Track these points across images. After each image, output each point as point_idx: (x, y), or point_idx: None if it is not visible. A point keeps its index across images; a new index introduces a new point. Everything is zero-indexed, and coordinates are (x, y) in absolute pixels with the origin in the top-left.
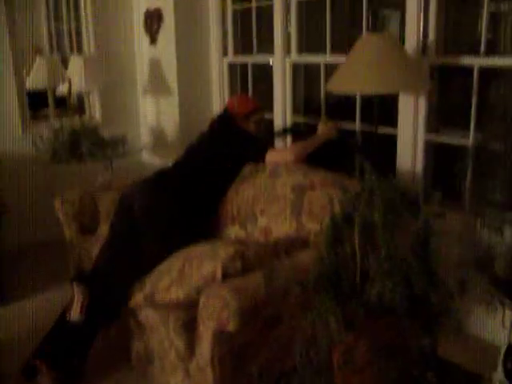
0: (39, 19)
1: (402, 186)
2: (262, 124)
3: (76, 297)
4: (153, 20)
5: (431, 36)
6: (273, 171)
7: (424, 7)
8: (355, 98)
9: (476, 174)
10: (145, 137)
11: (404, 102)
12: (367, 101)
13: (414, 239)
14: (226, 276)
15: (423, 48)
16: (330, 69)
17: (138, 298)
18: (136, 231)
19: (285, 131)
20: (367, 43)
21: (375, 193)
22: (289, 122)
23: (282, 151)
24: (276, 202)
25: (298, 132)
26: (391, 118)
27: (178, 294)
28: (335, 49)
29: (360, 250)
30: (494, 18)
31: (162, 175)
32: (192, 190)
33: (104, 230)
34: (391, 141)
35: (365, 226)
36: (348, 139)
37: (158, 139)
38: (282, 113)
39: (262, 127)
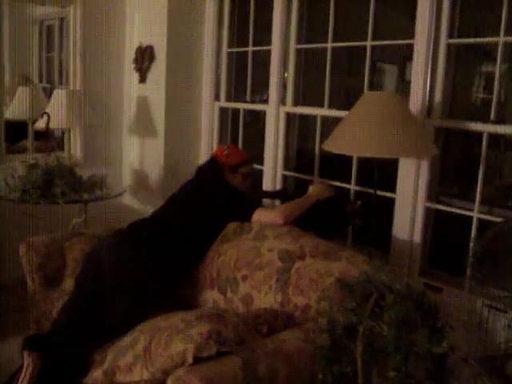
0: (31, 46)
1: (419, 292)
2: (249, 178)
3: (25, 366)
4: (144, 57)
5: (437, 97)
6: (259, 233)
7: (431, 66)
8: (352, 157)
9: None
10: (127, 179)
11: (405, 166)
12: (365, 161)
13: (430, 361)
14: (197, 359)
15: (428, 110)
16: (327, 122)
17: (96, 373)
18: (102, 291)
19: (276, 195)
20: (369, 101)
21: (385, 299)
22: (280, 179)
23: (270, 212)
24: (261, 268)
25: (290, 197)
26: (389, 181)
27: (141, 373)
28: (333, 100)
29: (363, 370)
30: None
31: (135, 229)
32: (168, 248)
33: (69, 284)
34: (389, 205)
35: (370, 339)
36: (347, 201)
37: (141, 182)
38: (272, 166)
39: (249, 181)
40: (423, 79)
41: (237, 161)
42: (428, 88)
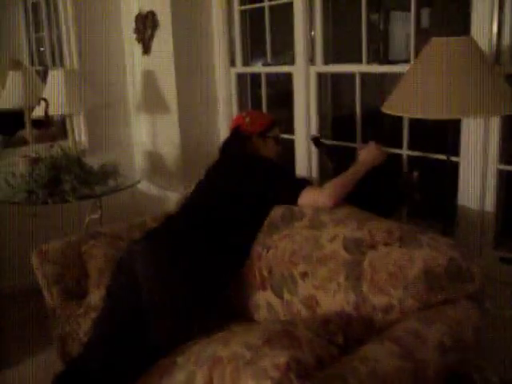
0: (17, 27)
1: None
2: (280, 141)
3: None
4: (146, 25)
5: (507, 40)
6: (314, 219)
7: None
8: (401, 118)
9: None
10: (139, 163)
11: (470, 123)
12: (417, 120)
13: None
14: None
15: (496, 55)
16: (368, 80)
17: None
18: (141, 304)
19: (317, 142)
20: (438, 51)
21: None
22: (314, 148)
23: (319, 193)
24: (323, 262)
25: (330, 151)
26: (445, 142)
27: None
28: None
29: None
30: None
31: (169, 229)
32: (211, 248)
33: (95, 298)
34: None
35: None
36: (400, 172)
37: (156, 165)
38: (305, 134)
39: (281, 145)
40: (489, 18)
41: (264, 124)
42: (496, 29)
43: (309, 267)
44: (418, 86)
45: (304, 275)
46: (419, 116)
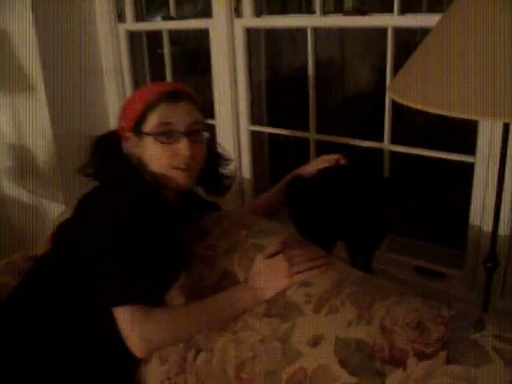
0: None
1: None
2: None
3: None
4: None
5: None
6: (277, 301)
7: None
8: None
9: None
10: (2, 162)
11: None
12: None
13: None
14: None
15: None
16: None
17: None
18: None
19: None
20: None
21: None
22: (246, 138)
23: (129, 324)
24: None
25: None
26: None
27: None
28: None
29: None
30: None
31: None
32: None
33: None
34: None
35: None
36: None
37: (24, 162)
38: (230, 119)
39: (188, 145)
40: None
41: (136, 110)
42: None
43: None
44: (447, 65)
45: None
46: (455, 115)
